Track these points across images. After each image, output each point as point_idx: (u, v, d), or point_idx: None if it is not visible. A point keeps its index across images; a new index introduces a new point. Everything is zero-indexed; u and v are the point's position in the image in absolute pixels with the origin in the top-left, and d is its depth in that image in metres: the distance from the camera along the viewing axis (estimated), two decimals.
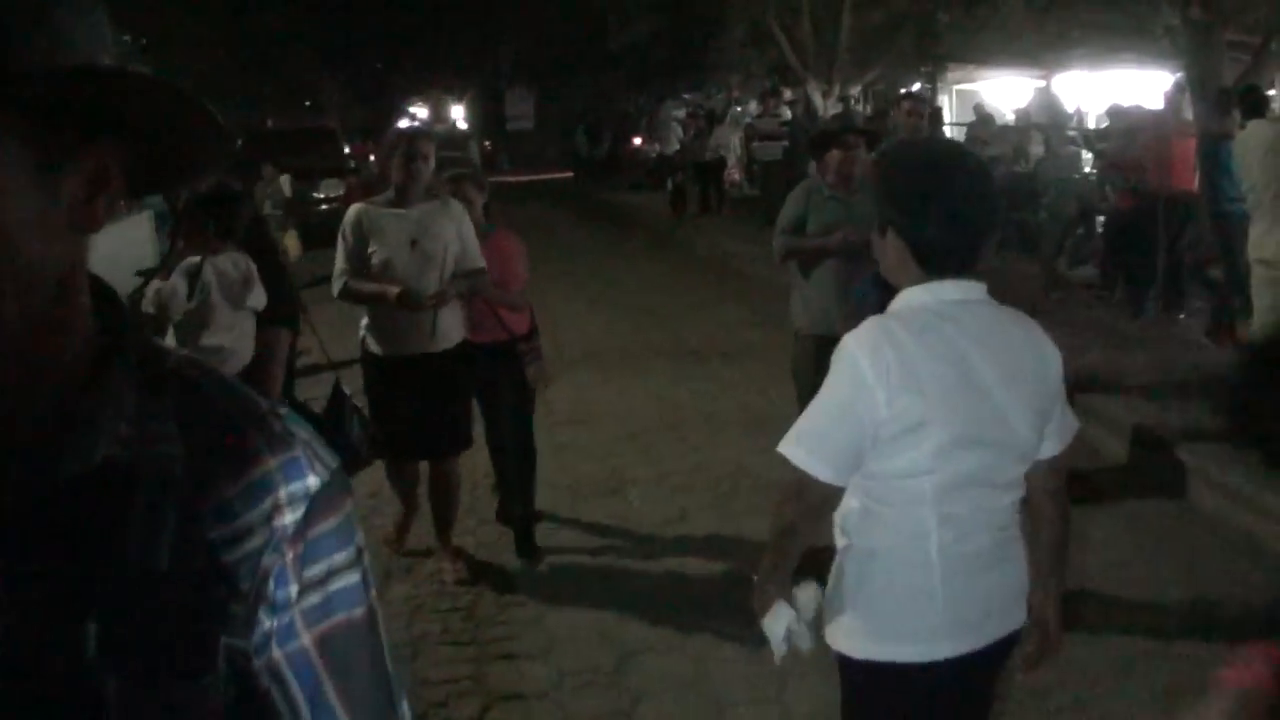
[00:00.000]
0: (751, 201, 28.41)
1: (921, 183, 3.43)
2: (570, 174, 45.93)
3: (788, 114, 28.40)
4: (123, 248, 13.39)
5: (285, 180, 24.41)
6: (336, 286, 7.35)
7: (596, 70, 48.86)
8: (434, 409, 7.53)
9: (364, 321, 7.59)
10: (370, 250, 7.25)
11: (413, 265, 7.21)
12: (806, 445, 3.44)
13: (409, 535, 8.40)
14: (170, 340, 6.46)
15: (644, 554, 8.27)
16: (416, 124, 10.46)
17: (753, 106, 31.10)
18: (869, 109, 30.05)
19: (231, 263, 7.05)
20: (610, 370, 13.69)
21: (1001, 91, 28.54)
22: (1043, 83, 25.64)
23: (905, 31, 28.48)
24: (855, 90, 30.90)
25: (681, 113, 37.79)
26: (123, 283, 8.91)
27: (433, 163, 7.41)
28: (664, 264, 22.60)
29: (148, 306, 6.86)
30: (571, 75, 52.62)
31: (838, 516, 3.66)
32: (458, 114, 74.66)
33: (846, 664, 3.66)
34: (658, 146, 37.42)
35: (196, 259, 6.98)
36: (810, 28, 28.94)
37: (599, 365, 13.88)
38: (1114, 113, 16.96)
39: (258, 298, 7.08)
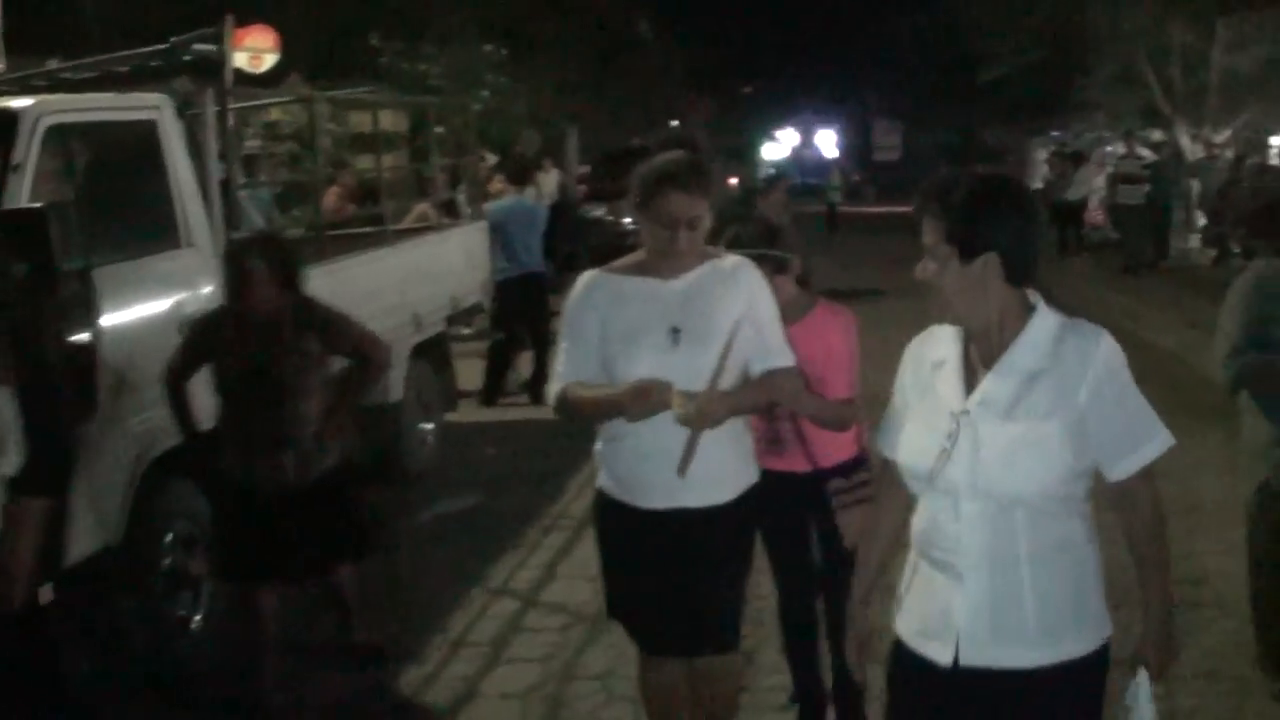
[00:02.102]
0: (1111, 246, 27.79)
1: (1020, 204, 3.58)
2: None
3: (1149, 155, 27.73)
4: None
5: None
6: (551, 392, 4.95)
7: (964, 103, 48.50)
8: (686, 588, 5.07)
9: (597, 447, 5.10)
10: (606, 339, 4.84)
11: (675, 363, 4.70)
12: None
13: None
14: None
15: None
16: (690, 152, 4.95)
17: (1119, 148, 30.36)
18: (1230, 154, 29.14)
19: None
20: None
21: None
22: None
23: (1277, 74, 27.49)
24: (1225, 135, 29.95)
25: (1045, 151, 37.26)
26: None
27: (706, 221, 4.79)
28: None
29: None
30: (938, 107, 52.35)
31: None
32: (826, 138, 75.68)
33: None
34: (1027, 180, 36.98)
35: None
36: (1180, 68, 28.26)
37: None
38: None
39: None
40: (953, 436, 3.54)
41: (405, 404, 10.38)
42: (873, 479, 5.25)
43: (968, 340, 3.67)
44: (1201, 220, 26.91)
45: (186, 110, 7.66)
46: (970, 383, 3.61)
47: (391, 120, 16.12)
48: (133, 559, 6.69)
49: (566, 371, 4.85)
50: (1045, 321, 3.57)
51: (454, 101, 13.93)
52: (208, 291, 7.40)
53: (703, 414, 4.52)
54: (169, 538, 7.03)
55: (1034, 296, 3.62)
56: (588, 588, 8.01)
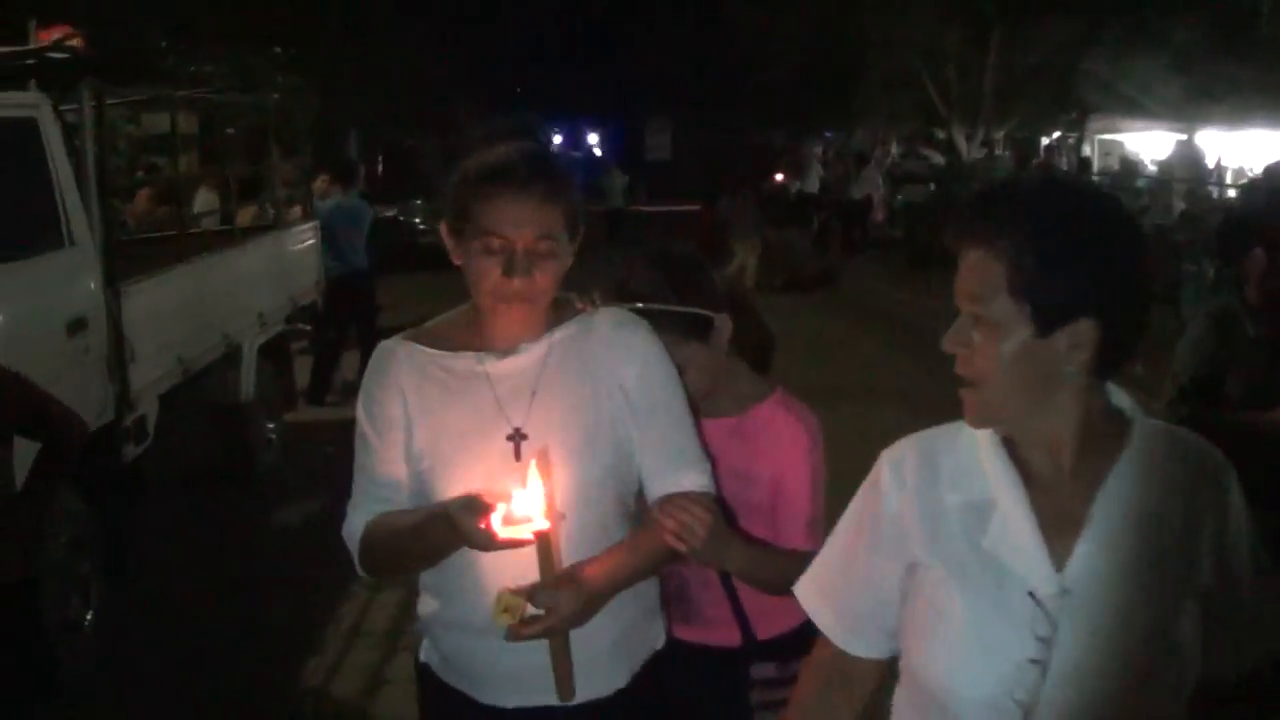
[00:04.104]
0: (895, 243, 28.64)
1: (1135, 241, 2.28)
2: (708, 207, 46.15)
3: (937, 158, 28.62)
4: None
5: None
6: (348, 533, 3.14)
7: (737, 105, 49.13)
8: None
9: (420, 601, 3.29)
10: (417, 451, 3.08)
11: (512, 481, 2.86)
12: None
13: None
14: None
15: None
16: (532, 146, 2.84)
17: (895, 149, 31.24)
18: (1010, 155, 30.23)
19: None
20: None
21: (1145, 144, 28.58)
22: (1184, 136, 25.63)
23: (1048, 79, 28.57)
24: (999, 136, 31.04)
25: (818, 149, 38.02)
26: None
27: (564, 251, 3.00)
28: (807, 300, 22.80)
29: None
30: (711, 109, 52.97)
31: None
32: (597, 139, 75.72)
33: None
34: (798, 184, 37.66)
35: None
36: (955, 72, 29.18)
37: None
38: (1268, 175, 16.97)
39: None
40: (1048, 639, 2.22)
41: (253, 404, 10.39)
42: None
43: (1016, 462, 2.32)
44: None
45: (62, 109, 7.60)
46: (1054, 541, 2.24)
47: (185, 123, 15.99)
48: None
49: (366, 501, 3.09)
50: (1150, 434, 2.33)
51: (294, 99, 13.81)
52: (92, 290, 7.38)
53: (556, 620, 2.82)
54: (61, 540, 6.94)
55: (1118, 395, 2.36)
56: None
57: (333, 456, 11.69)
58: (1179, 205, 21.70)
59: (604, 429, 3.05)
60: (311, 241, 12.88)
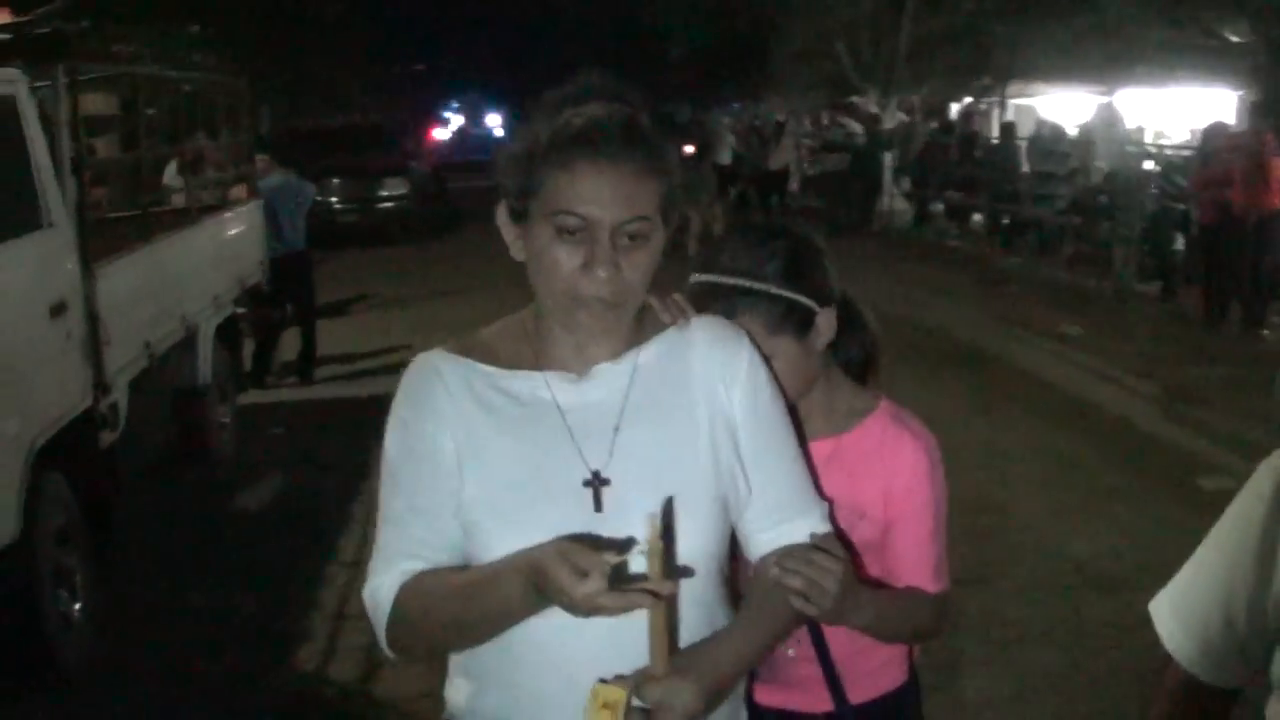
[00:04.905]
0: (813, 212, 28.70)
1: None
2: None
3: (855, 126, 28.74)
4: None
5: None
6: (376, 593, 2.42)
7: (649, 78, 49.26)
8: None
9: (454, 689, 2.55)
10: (469, 497, 2.42)
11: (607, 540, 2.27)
12: None
13: None
14: None
15: None
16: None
17: (807, 121, 31.36)
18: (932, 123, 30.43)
19: None
20: None
21: (1062, 106, 28.78)
22: (1105, 98, 25.84)
23: (963, 43, 28.75)
24: (915, 102, 31.22)
25: (726, 120, 38.09)
26: None
27: (656, 240, 2.38)
28: None
29: None
30: (622, 82, 53.08)
31: None
32: (496, 118, 75.59)
33: None
34: (712, 155, 37.71)
35: None
36: (869, 39, 29.31)
37: None
38: (1208, 133, 17.17)
39: None
40: None
41: (210, 387, 10.27)
42: None
43: None
44: (906, 184, 28.05)
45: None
46: None
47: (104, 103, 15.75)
48: (26, 556, 6.41)
49: (398, 560, 2.41)
50: None
51: (236, 79, 13.62)
52: (70, 270, 7.23)
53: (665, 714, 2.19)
54: (52, 530, 6.79)
55: None
56: None
57: (283, 439, 11.65)
58: (1101, 166, 21.96)
59: (705, 475, 2.43)
60: (258, 221, 12.73)
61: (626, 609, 2.05)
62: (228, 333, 11.10)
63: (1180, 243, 17.68)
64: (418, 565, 2.37)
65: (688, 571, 2.35)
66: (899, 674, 2.97)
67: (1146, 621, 2.23)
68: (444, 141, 61.66)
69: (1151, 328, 15.60)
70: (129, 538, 8.40)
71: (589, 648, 2.25)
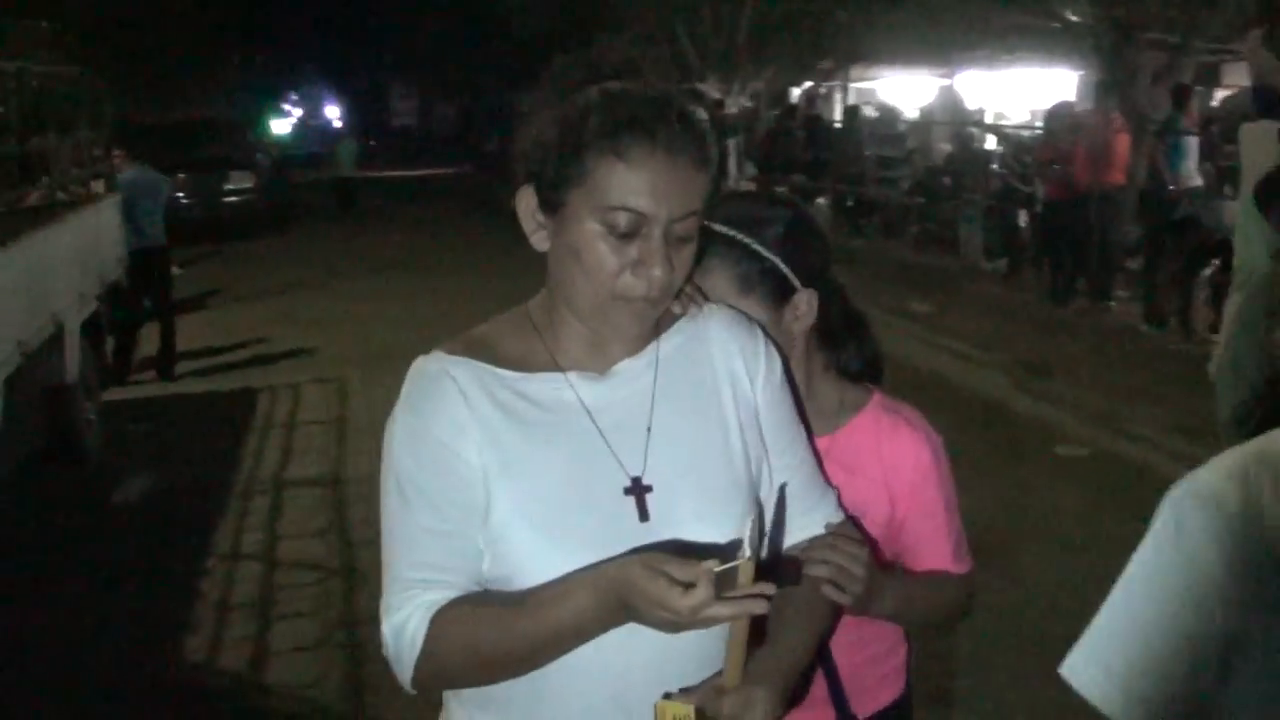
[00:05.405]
0: None
1: None
2: (458, 170, 46.30)
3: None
4: None
5: None
6: (397, 629, 2.15)
7: (489, 65, 49.19)
8: None
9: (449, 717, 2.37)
10: (500, 516, 2.17)
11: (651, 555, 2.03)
12: None
13: None
14: None
15: None
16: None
17: None
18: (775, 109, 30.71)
19: None
20: None
21: (903, 89, 29.29)
22: (946, 81, 26.34)
23: (804, 28, 29.07)
24: (758, 87, 31.51)
25: None
26: None
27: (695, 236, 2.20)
28: None
29: None
30: (461, 71, 52.89)
31: None
32: (336, 108, 74.92)
33: None
34: None
35: None
36: (711, 24, 29.56)
37: None
38: (1053, 112, 17.61)
39: None
40: None
41: (78, 384, 10.20)
42: None
43: None
44: (752, 169, 28.32)
45: None
46: None
47: None
48: None
49: (422, 590, 2.16)
50: None
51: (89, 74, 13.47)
52: None
53: None
54: None
55: None
56: (319, 543, 8.41)
57: (149, 434, 11.58)
58: (943, 147, 22.49)
59: (740, 471, 2.29)
60: (116, 216, 12.61)
61: (737, 617, 1.95)
62: (91, 329, 11.01)
63: (1024, 220, 18.10)
64: (444, 595, 2.13)
65: (789, 575, 2.30)
66: (899, 684, 2.86)
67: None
68: (285, 134, 61.23)
69: (999, 304, 16.01)
70: (1, 536, 8.38)
71: (630, 665, 2.12)
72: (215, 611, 7.53)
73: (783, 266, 2.60)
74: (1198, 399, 10.68)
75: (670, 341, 2.31)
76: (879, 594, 2.47)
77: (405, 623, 2.12)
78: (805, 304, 2.62)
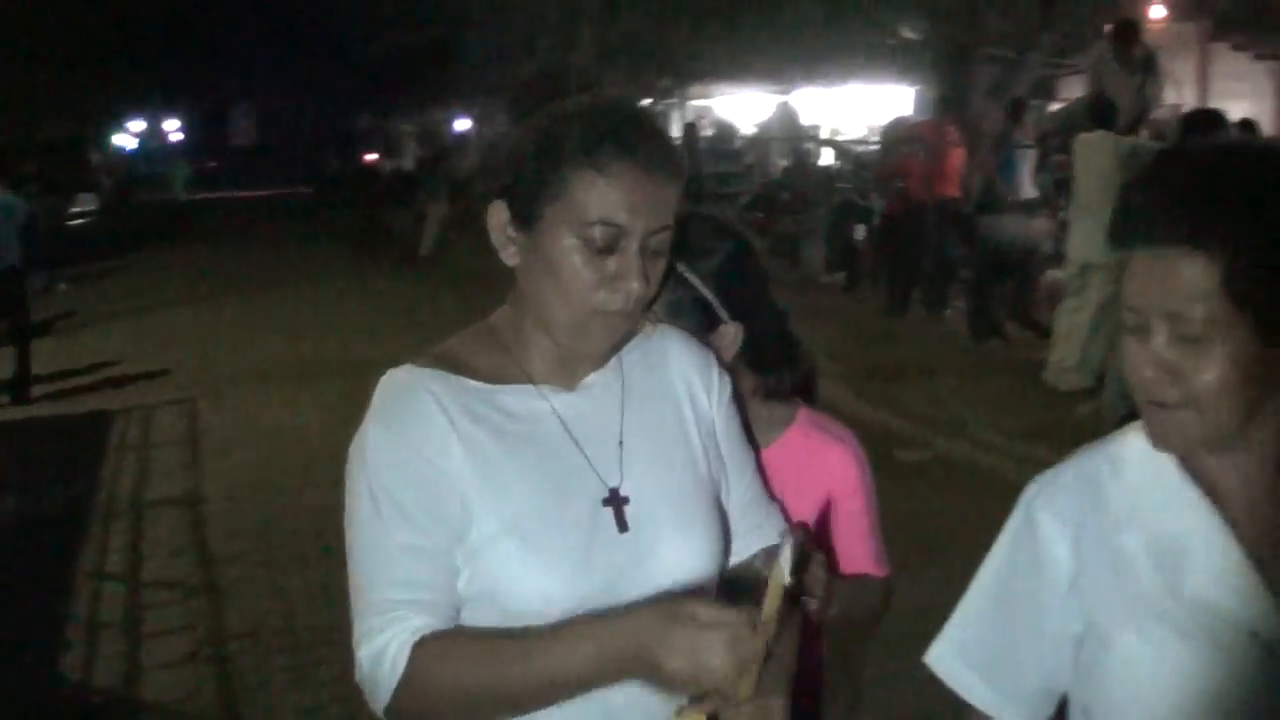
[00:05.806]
0: None
1: None
2: (299, 191, 45.92)
3: None
4: None
5: None
6: (369, 652, 2.07)
7: (326, 89, 49.00)
8: None
9: None
10: (481, 532, 2.14)
11: (630, 577, 2.18)
12: None
13: None
14: None
15: None
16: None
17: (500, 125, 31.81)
18: None
19: None
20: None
21: (740, 107, 29.75)
22: (783, 97, 26.81)
23: (643, 47, 29.39)
24: None
25: (408, 127, 38.29)
26: None
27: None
28: (416, 280, 22.94)
29: None
30: (298, 93, 52.58)
31: None
32: (173, 126, 73.90)
33: None
34: (396, 162, 37.80)
35: None
36: (553, 44, 29.81)
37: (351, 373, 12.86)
38: (890, 127, 18.09)
39: None
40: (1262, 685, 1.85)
41: None
42: None
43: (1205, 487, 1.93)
44: None
45: None
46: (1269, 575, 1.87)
47: None
48: None
49: (399, 601, 2.08)
50: None
51: None
52: None
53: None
54: None
55: None
56: (181, 562, 8.45)
57: (4, 458, 11.57)
58: (780, 163, 23.02)
59: (705, 483, 2.32)
60: None
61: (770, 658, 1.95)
62: None
63: (862, 234, 18.53)
64: (425, 618, 2.06)
65: (823, 598, 2.36)
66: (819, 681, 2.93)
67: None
68: (127, 153, 60.21)
69: (839, 315, 16.38)
70: None
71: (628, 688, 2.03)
72: (86, 630, 7.58)
73: (712, 300, 2.67)
74: (1029, 404, 11.24)
75: (630, 356, 2.32)
76: (833, 599, 2.52)
77: (386, 647, 2.04)
78: (731, 336, 2.68)
